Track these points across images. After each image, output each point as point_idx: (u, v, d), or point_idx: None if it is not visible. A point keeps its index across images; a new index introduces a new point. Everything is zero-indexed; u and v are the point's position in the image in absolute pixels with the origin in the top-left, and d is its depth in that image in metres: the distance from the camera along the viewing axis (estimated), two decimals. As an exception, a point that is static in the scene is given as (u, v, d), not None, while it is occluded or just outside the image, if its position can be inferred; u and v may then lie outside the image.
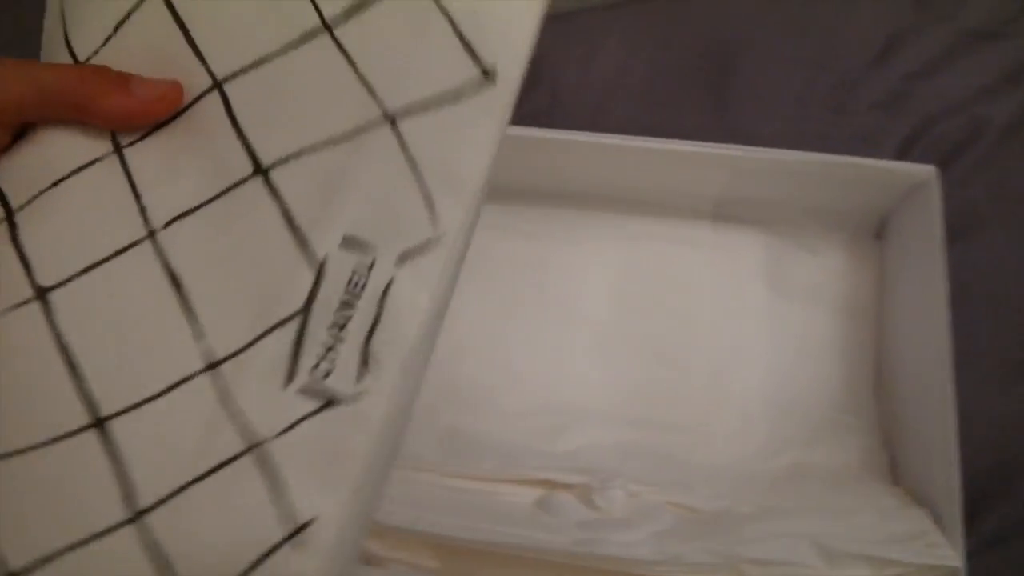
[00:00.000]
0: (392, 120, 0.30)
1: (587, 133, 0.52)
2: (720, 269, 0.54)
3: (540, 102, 0.60)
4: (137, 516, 0.27)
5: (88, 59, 0.31)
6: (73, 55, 0.31)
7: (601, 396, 0.50)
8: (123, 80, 0.29)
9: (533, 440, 0.48)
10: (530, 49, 0.31)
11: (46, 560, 0.27)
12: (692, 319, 0.53)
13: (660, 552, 0.38)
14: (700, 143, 0.52)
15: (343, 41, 0.31)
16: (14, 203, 0.30)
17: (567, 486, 0.44)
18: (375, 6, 0.31)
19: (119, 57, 0.30)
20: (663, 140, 0.52)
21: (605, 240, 0.55)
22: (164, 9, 0.31)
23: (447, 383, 0.50)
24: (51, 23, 0.33)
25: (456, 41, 0.31)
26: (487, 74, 0.30)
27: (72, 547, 0.27)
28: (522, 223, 0.55)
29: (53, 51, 0.32)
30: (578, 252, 0.55)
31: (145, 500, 0.27)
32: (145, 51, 0.30)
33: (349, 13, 0.31)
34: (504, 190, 0.54)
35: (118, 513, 0.27)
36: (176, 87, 0.30)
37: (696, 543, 0.39)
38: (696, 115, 0.60)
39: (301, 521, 0.27)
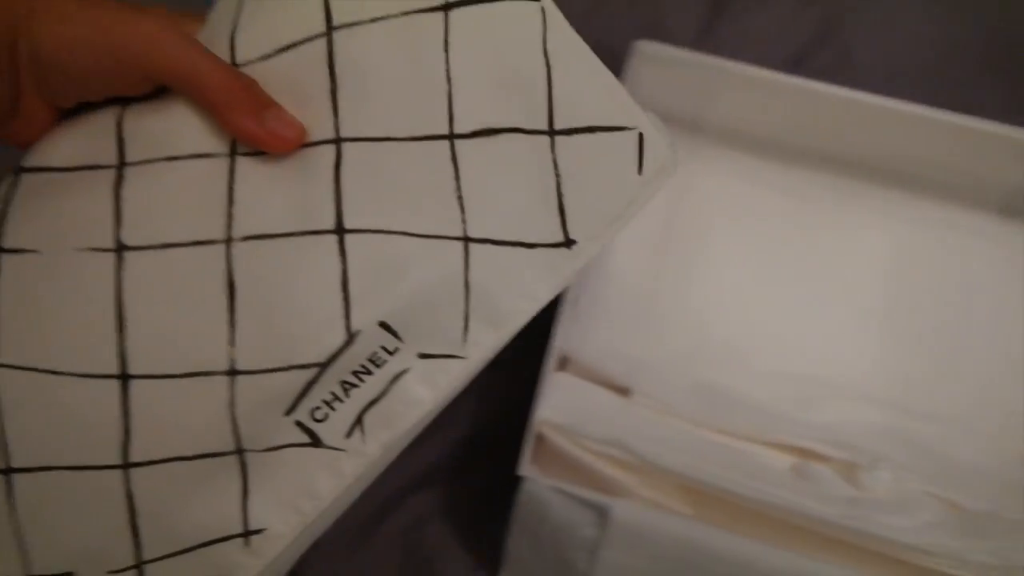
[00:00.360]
0: (467, 241, 0.31)
1: (876, 96, 0.50)
2: (1005, 266, 0.51)
3: (828, 60, 0.57)
4: (125, 465, 0.31)
5: (243, 64, 0.32)
6: (232, 50, 0.33)
7: (860, 374, 0.49)
8: (262, 106, 0.31)
9: (784, 406, 0.48)
10: (613, 238, 0.33)
11: (42, 469, 0.31)
12: (968, 314, 0.50)
13: (937, 544, 0.37)
14: (1001, 124, 0.49)
15: (459, 154, 0.32)
16: (128, 156, 0.32)
17: (825, 458, 0.44)
18: (501, 137, 0.32)
19: (268, 77, 0.32)
20: (958, 115, 0.49)
21: (878, 215, 0.53)
22: (325, 55, 0.32)
23: (702, 334, 0.50)
24: (226, 5, 0.34)
25: (555, 201, 0.32)
26: (567, 244, 0.32)
27: (66, 467, 0.31)
28: (795, 184, 0.54)
29: (217, 33, 0.33)
30: (848, 224, 0.53)
31: (136, 456, 0.31)
32: (292, 82, 0.32)
33: (476, 134, 0.32)
34: (780, 147, 0.53)
35: (112, 456, 0.31)
36: (302, 133, 0.31)
37: (969, 541, 0.38)
38: (991, 96, 0.56)
39: (253, 527, 0.31)
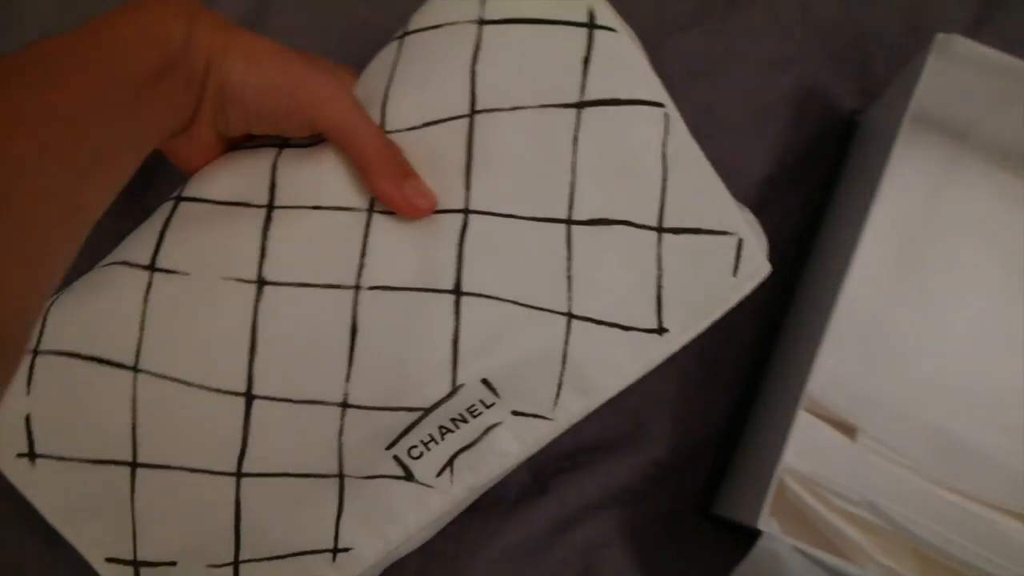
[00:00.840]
0: (570, 317, 0.35)
1: None
2: None
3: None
4: (239, 475, 0.34)
5: (391, 132, 0.36)
6: (383, 116, 0.36)
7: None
8: (404, 174, 0.34)
9: (1032, 471, 0.42)
10: (702, 330, 0.36)
11: (164, 468, 0.34)
12: None
13: None
14: None
15: (574, 238, 0.35)
16: (278, 200, 0.35)
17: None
18: (613, 227, 0.35)
19: (413, 146, 0.36)
20: None
21: None
22: (465, 134, 0.36)
23: (940, 373, 0.44)
24: (382, 63, 0.38)
25: (653, 292, 0.35)
26: (659, 331, 0.35)
27: (186, 469, 0.34)
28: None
29: (370, 96, 0.37)
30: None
31: (249, 467, 0.34)
32: (432, 154, 0.36)
33: (592, 222, 0.35)
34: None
35: (228, 465, 0.34)
36: (433, 203, 0.35)
37: None
38: None
39: (342, 546, 0.35)
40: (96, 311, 0.35)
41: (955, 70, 0.40)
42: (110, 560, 0.35)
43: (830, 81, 0.50)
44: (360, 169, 0.35)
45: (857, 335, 0.44)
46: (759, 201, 0.48)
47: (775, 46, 0.50)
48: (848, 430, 0.42)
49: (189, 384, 0.34)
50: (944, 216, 0.46)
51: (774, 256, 0.44)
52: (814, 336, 0.37)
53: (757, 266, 0.36)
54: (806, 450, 0.39)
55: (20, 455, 0.34)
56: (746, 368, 0.46)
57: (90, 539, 0.35)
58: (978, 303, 0.45)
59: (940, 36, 0.38)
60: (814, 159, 0.49)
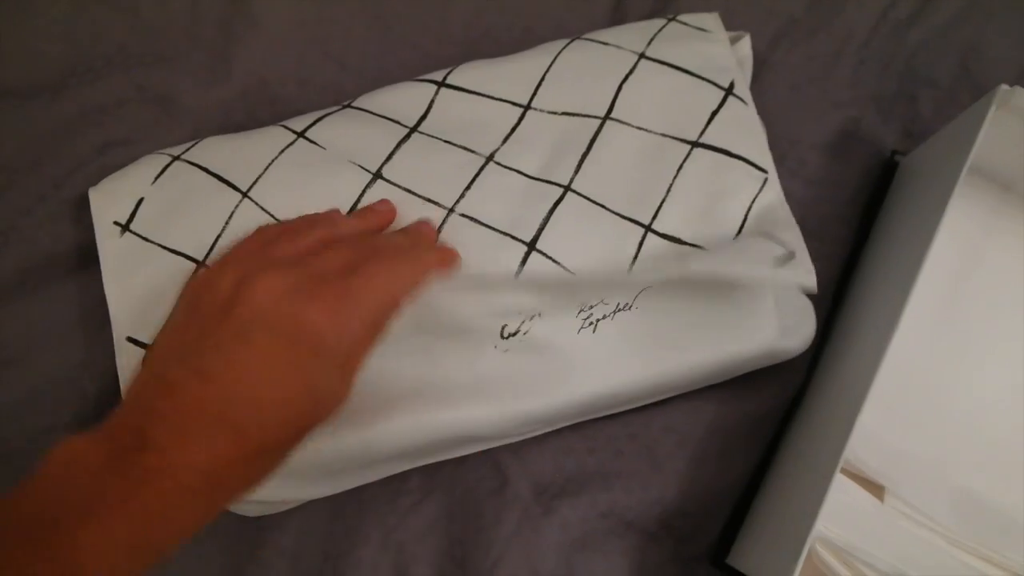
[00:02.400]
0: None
1: None
2: None
3: None
4: None
5: (534, 108, 0.43)
6: (533, 95, 0.43)
7: None
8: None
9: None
10: None
11: None
12: None
13: None
14: None
15: (645, 244, 0.40)
16: (422, 127, 0.43)
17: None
18: (683, 247, 0.40)
19: (547, 127, 0.43)
20: None
21: None
22: (592, 132, 0.42)
23: (974, 432, 0.42)
24: (547, 52, 0.45)
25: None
26: None
27: None
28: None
29: (526, 72, 0.44)
30: None
31: None
32: (560, 136, 0.42)
33: (667, 237, 0.40)
34: None
35: None
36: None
37: None
38: None
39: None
40: (240, 146, 0.42)
41: (1013, 122, 0.38)
42: (131, 340, 0.38)
43: (875, 120, 0.48)
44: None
45: (889, 388, 0.42)
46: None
47: (832, 83, 0.49)
48: (876, 488, 0.40)
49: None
50: (985, 269, 0.44)
51: (812, 296, 0.43)
52: (854, 398, 0.35)
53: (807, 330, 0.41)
54: (836, 512, 0.37)
55: (116, 223, 0.40)
56: (775, 415, 0.44)
57: (127, 313, 0.38)
58: (1012, 360, 0.43)
59: (1003, 88, 0.36)
60: (854, 197, 0.47)
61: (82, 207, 0.45)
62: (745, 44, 0.45)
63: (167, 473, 0.26)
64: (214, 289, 0.31)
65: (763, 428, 0.44)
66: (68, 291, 0.44)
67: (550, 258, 0.38)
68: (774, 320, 0.39)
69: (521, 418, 0.39)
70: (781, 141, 0.48)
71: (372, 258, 0.32)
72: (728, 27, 0.49)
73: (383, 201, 0.39)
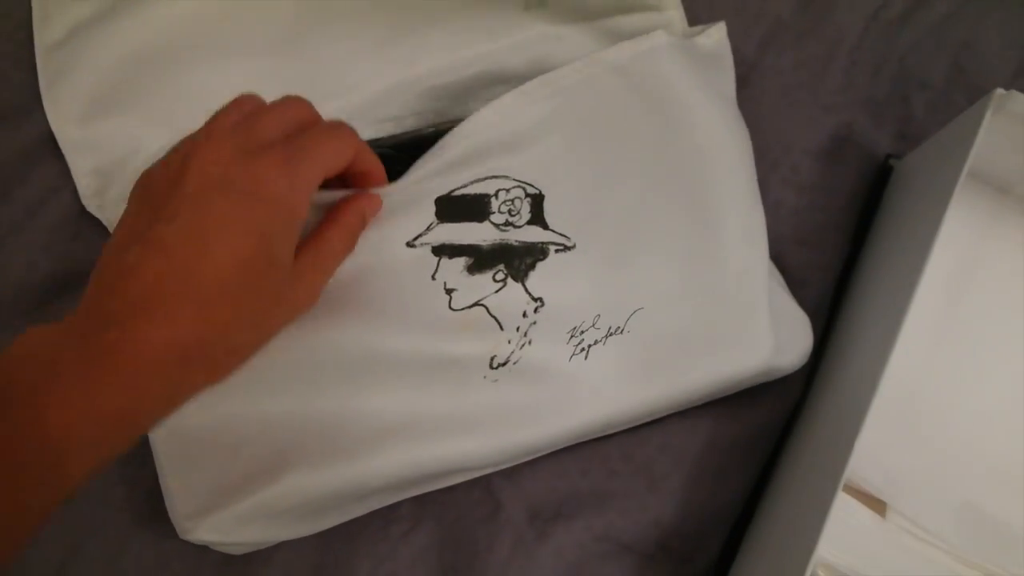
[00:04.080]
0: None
1: None
2: None
3: None
4: None
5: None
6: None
7: None
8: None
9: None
10: None
11: None
12: None
13: None
14: None
15: None
16: None
17: None
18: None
19: None
20: None
21: None
22: None
23: (977, 446, 0.41)
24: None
25: None
26: None
27: None
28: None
29: None
30: None
31: None
32: None
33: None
34: None
35: None
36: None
37: None
38: None
39: None
40: None
41: (1009, 125, 0.37)
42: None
43: (868, 123, 0.47)
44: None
45: (888, 402, 0.41)
46: (793, 241, 0.45)
47: (823, 87, 0.48)
48: (878, 504, 0.39)
49: None
50: (983, 276, 0.43)
51: (808, 305, 0.41)
52: (854, 415, 0.34)
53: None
54: (838, 531, 0.36)
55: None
56: (773, 431, 0.43)
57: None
58: (1014, 369, 0.42)
59: (998, 92, 0.35)
60: (849, 204, 0.46)
61: (56, 236, 0.44)
62: (716, 32, 0.41)
63: (128, 347, 0.26)
64: (163, 168, 0.30)
65: (761, 444, 0.43)
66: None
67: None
68: (770, 337, 0.38)
69: (512, 449, 0.37)
70: (773, 147, 0.46)
71: (313, 128, 0.32)
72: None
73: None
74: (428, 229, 0.37)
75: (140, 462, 0.40)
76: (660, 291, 0.38)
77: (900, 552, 0.38)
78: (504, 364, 0.37)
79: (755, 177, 0.41)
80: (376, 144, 0.40)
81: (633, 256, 0.39)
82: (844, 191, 0.46)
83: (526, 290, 0.37)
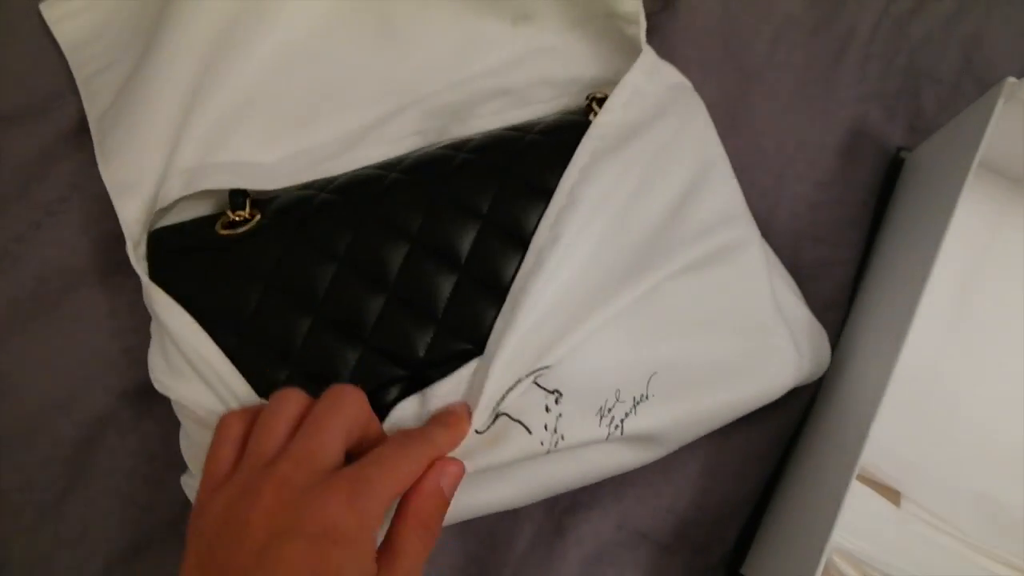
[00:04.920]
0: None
1: None
2: None
3: None
4: None
5: None
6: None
7: None
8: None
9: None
10: None
11: None
12: None
13: None
14: None
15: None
16: None
17: None
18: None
19: None
20: None
21: None
22: None
23: (992, 435, 0.42)
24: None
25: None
26: None
27: None
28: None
29: None
30: None
31: None
32: None
33: None
34: None
35: None
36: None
37: None
38: None
39: None
40: None
41: (1021, 114, 0.37)
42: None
43: (881, 117, 0.47)
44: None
45: (902, 392, 0.41)
46: (811, 237, 0.46)
47: (836, 82, 0.48)
48: (892, 493, 0.40)
49: None
50: (998, 266, 0.43)
51: (825, 300, 0.42)
52: (867, 403, 0.34)
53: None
54: (852, 520, 0.36)
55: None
56: (790, 423, 0.43)
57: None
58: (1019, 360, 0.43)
59: (1010, 81, 0.35)
60: (865, 199, 0.47)
61: (75, 232, 0.45)
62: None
63: None
64: (211, 516, 0.28)
65: (778, 436, 0.43)
66: (59, 319, 0.44)
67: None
68: (792, 358, 0.38)
69: (560, 486, 0.38)
70: (788, 143, 0.47)
71: (378, 448, 0.31)
72: (729, 29, 0.49)
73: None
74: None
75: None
76: (663, 355, 0.37)
77: (914, 540, 0.38)
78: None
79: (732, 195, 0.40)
80: (378, 167, 0.40)
81: (623, 330, 0.37)
82: (860, 185, 0.46)
83: (540, 386, 0.36)
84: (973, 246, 0.43)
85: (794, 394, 0.43)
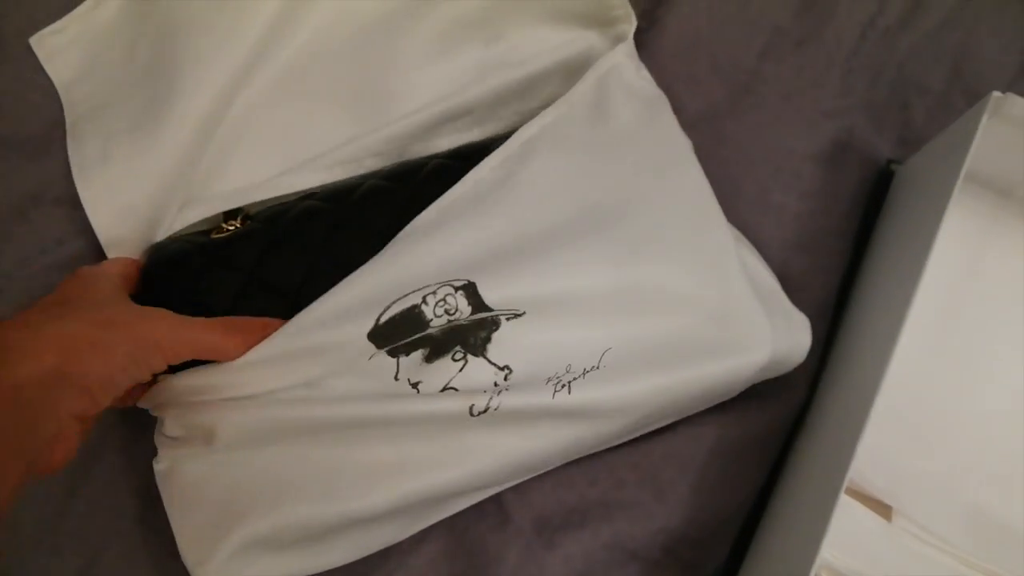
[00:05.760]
0: None
1: None
2: None
3: None
4: None
5: None
6: None
7: None
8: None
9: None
10: None
11: None
12: None
13: None
14: None
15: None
16: None
17: None
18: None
19: None
20: None
21: None
22: None
23: (981, 448, 0.41)
24: None
25: None
26: None
27: None
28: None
29: None
30: None
31: None
32: None
33: None
34: None
35: None
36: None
37: None
38: None
39: None
40: None
41: (1007, 128, 0.37)
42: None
43: (868, 128, 0.47)
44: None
45: (892, 405, 0.41)
46: (796, 247, 0.46)
47: (823, 93, 0.48)
48: (883, 508, 0.40)
49: None
50: (986, 279, 0.43)
51: (811, 310, 0.42)
52: (857, 416, 0.34)
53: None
54: (842, 535, 0.36)
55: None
56: (778, 436, 0.43)
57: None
58: (1017, 369, 0.42)
59: (995, 95, 0.35)
60: (851, 209, 0.46)
61: (80, 260, 0.45)
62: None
63: None
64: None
65: (766, 450, 0.43)
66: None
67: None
68: (765, 332, 0.38)
69: (509, 469, 0.38)
70: (775, 153, 0.47)
71: None
72: (716, 42, 0.49)
73: None
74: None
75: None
76: (621, 333, 0.38)
77: (905, 555, 0.38)
78: (484, 412, 0.36)
79: (701, 190, 0.41)
80: (336, 186, 0.41)
81: (584, 308, 0.38)
82: (846, 196, 0.46)
83: (490, 362, 0.37)
84: (963, 257, 0.43)
85: (781, 406, 0.43)
